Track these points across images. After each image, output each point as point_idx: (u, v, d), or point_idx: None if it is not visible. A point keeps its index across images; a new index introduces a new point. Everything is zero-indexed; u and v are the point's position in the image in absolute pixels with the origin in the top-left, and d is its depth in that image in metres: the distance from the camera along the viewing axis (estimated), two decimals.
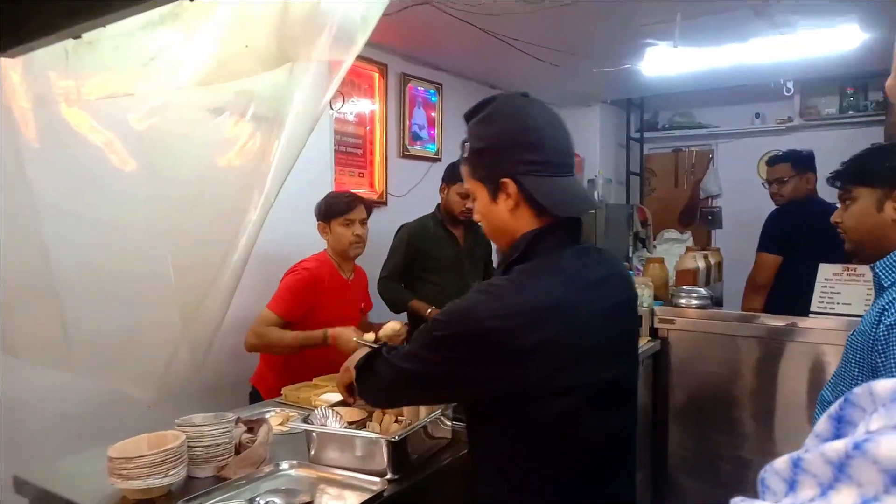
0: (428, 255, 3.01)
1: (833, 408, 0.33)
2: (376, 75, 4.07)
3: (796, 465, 0.31)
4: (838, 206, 1.51)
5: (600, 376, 1.09)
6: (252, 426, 1.64)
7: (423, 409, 1.55)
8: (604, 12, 3.44)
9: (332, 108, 3.63)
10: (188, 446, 1.42)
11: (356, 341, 1.72)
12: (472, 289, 1.11)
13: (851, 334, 1.36)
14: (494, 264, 3.38)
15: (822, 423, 0.34)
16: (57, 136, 1.46)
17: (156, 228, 1.44)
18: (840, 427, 0.32)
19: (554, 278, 1.08)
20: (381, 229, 4.10)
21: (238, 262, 1.28)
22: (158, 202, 1.43)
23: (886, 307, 1.24)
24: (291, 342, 2.27)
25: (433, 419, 1.55)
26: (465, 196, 2.95)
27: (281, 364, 2.39)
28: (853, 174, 1.44)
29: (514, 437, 1.10)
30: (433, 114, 4.55)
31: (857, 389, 0.32)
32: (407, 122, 4.30)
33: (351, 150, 3.95)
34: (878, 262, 1.35)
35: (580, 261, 1.13)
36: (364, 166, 4.06)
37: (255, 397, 2.41)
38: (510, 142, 1.13)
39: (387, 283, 3.08)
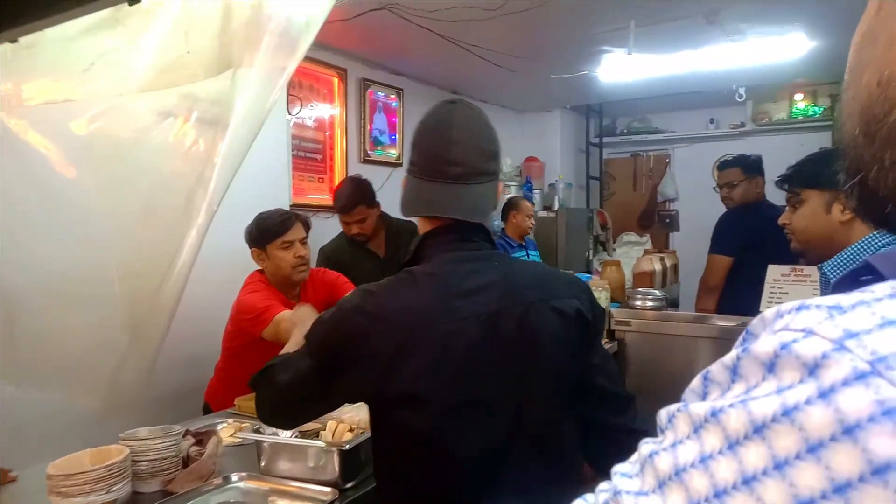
0: (347, 273, 2.92)
1: (739, 340, 0.37)
2: (336, 80, 4.05)
3: (706, 378, 0.36)
4: (787, 208, 1.55)
5: (466, 391, 1.03)
6: (201, 438, 1.61)
7: None
8: (561, 19, 3.48)
9: (290, 114, 3.59)
10: (133, 461, 1.38)
11: None
12: (357, 288, 1.14)
13: None
14: None
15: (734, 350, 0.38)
16: None
17: (101, 236, 1.40)
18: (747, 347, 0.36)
19: (426, 284, 1.07)
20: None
21: (183, 270, 1.25)
22: (103, 209, 1.40)
23: None
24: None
25: None
26: (352, 222, 2.98)
27: (231, 378, 2.34)
28: (802, 177, 1.47)
29: (385, 447, 1.11)
30: (394, 119, 4.54)
31: (755, 320, 0.36)
32: (367, 127, 4.28)
33: (310, 155, 3.92)
34: (826, 263, 1.39)
35: (462, 267, 1.09)
36: (324, 171, 4.03)
37: (207, 412, 2.36)
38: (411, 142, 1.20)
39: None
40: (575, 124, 6.36)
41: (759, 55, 3.92)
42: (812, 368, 0.28)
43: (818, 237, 1.43)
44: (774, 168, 3.59)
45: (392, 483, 1.11)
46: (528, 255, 4.14)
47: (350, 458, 1.43)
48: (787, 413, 0.28)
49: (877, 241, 1.32)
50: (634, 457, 0.40)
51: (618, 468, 0.40)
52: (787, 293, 2.79)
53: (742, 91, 5.15)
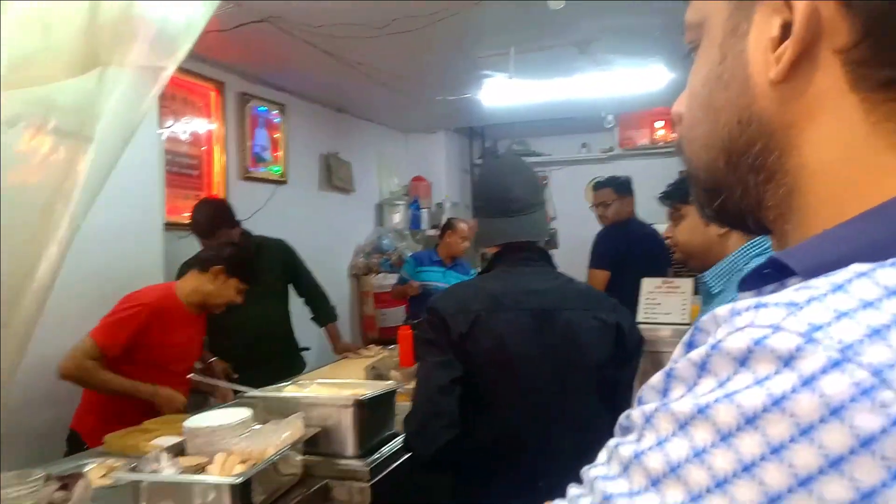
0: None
1: (686, 336, 0.40)
2: (213, 94, 3.85)
3: (668, 375, 0.38)
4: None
5: (516, 366, 1.40)
6: (66, 483, 1.42)
7: (269, 449, 1.44)
8: (445, 42, 3.56)
9: (161, 128, 3.36)
10: None
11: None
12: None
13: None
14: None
15: (678, 350, 0.40)
16: None
17: None
18: (691, 349, 0.38)
19: (499, 279, 1.46)
20: None
21: (37, 296, 1.09)
22: None
23: None
24: (117, 388, 2.08)
25: (282, 455, 1.45)
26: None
27: (102, 405, 2.13)
28: (682, 193, 1.58)
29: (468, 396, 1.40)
30: (276, 135, 4.40)
31: (703, 318, 0.39)
32: (248, 143, 4.11)
33: (185, 170, 3.69)
34: (706, 273, 1.50)
35: (527, 273, 1.46)
36: (201, 188, 3.80)
37: (75, 442, 2.11)
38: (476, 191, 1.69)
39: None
40: (459, 145, 6.51)
41: (624, 84, 4.24)
42: (787, 360, 0.31)
43: (698, 249, 1.54)
44: (641, 188, 3.89)
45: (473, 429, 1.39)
46: (444, 273, 4.10)
47: (243, 493, 1.32)
48: (777, 402, 0.30)
49: (749, 251, 1.45)
50: (603, 457, 0.41)
51: (593, 472, 0.40)
52: (660, 304, 2.99)
53: (611, 118, 5.54)
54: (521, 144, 6.67)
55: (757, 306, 0.35)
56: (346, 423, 1.62)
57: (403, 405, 1.97)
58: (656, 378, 0.39)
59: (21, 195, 1.15)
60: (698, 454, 0.33)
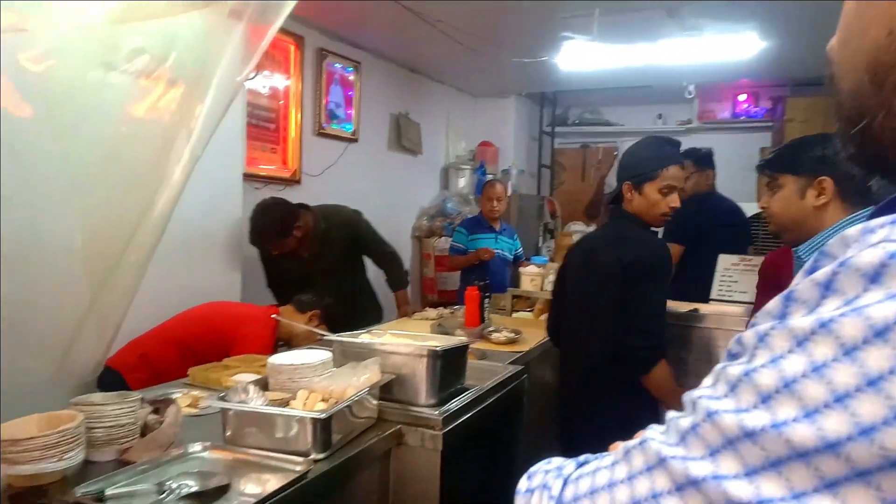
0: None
1: (808, 263, 0.39)
2: (292, 48, 3.89)
3: (788, 298, 0.36)
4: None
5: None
6: (158, 407, 1.50)
7: (349, 389, 1.48)
8: (527, 1, 3.47)
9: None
10: (87, 427, 1.27)
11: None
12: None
13: None
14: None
15: (798, 276, 0.38)
16: None
17: (60, 186, 1.26)
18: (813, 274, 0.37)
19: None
20: None
21: (157, 225, 1.14)
22: (62, 156, 1.25)
23: None
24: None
25: (359, 398, 1.49)
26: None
27: (162, 365, 2.23)
28: (780, 162, 1.53)
29: None
30: (350, 92, 4.42)
31: (830, 241, 0.38)
32: (323, 100, 4.15)
33: (263, 124, 3.76)
34: (800, 247, 1.44)
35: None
36: (276, 142, 3.88)
37: (111, 379, 2.17)
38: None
39: None
40: (529, 112, 6.39)
41: (710, 52, 4.03)
42: None
43: (792, 221, 1.48)
44: (719, 164, 3.72)
45: None
46: (497, 239, 4.10)
47: (324, 428, 1.36)
48: None
49: (852, 224, 1.38)
50: (708, 381, 0.40)
51: (696, 393, 0.40)
52: (736, 281, 2.89)
53: (691, 88, 5.31)
54: (593, 113, 6.50)
55: (893, 222, 0.33)
56: (420, 372, 1.64)
57: (473, 363, 1.99)
58: (773, 303, 0.38)
59: (144, 130, 1.19)
60: (817, 369, 0.31)
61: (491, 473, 1.61)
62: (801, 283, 0.36)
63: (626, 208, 2.02)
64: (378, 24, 3.97)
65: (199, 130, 1.14)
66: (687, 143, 5.56)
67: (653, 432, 0.43)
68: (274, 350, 2.35)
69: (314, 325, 2.40)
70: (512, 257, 4.10)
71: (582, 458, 0.53)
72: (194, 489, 1.17)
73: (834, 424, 0.30)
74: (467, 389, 1.79)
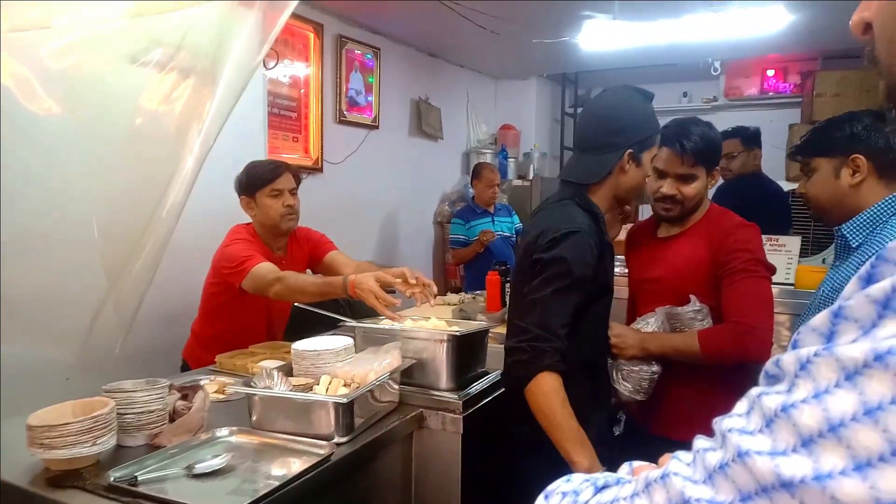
0: None
1: (863, 269, 0.34)
2: (311, 35, 3.90)
3: (836, 314, 0.31)
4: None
5: None
6: (186, 393, 1.55)
7: (371, 374, 1.50)
8: None
9: (265, 67, 3.45)
10: (118, 413, 1.31)
11: (375, 285, 1.79)
12: None
13: (820, 293, 1.46)
14: None
15: (851, 285, 0.34)
16: None
17: (79, 177, 1.30)
18: (870, 284, 0.31)
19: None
20: (318, 198, 3.98)
21: (171, 214, 1.17)
22: (81, 148, 1.29)
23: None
24: (311, 287, 1.96)
25: (380, 383, 1.51)
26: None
27: (210, 337, 2.26)
28: (810, 146, 1.50)
29: None
30: (370, 79, 4.42)
31: (890, 244, 0.33)
32: (343, 87, 4.16)
33: (285, 112, 3.79)
34: (844, 225, 1.42)
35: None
36: (298, 130, 3.91)
37: (186, 370, 2.28)
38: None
39: None
40: (550, 93, 6.32)
41: (736, 27, 3.93)
42: None
43: (831, 203, 1.47)
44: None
45: None
46: (493, 220, 4.12)
47: (347, 412, 1.39)
48: None
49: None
50: (742, 407, 0.35)
51: (727, 423, 0.35)
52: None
53: (717, 64, 5.20)
54: None
55: None
56: (441, 356, 1.66)
57: (494, 347, 2.00)
58: (820, 318, 0.33)
59: (159, 120, 1.22)
60: (870, 412, 0.26)
61: (510, 454, 1.63)
62: (854, 298, 0.31)
63: (608, 185, 1.53)
64: (396, 9, 3.95)
65: (211, 119, 1.16)
66: (714, 121, 5.48)
67: (677, 464, 0.38)
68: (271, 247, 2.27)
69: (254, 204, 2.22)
70: (513, 235, 4.11)
71: (602, 480, 0.49)
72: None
73: (891, 482, 0.25)
74: (488, 373, 1.80)
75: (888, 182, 1.40)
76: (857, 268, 1.32)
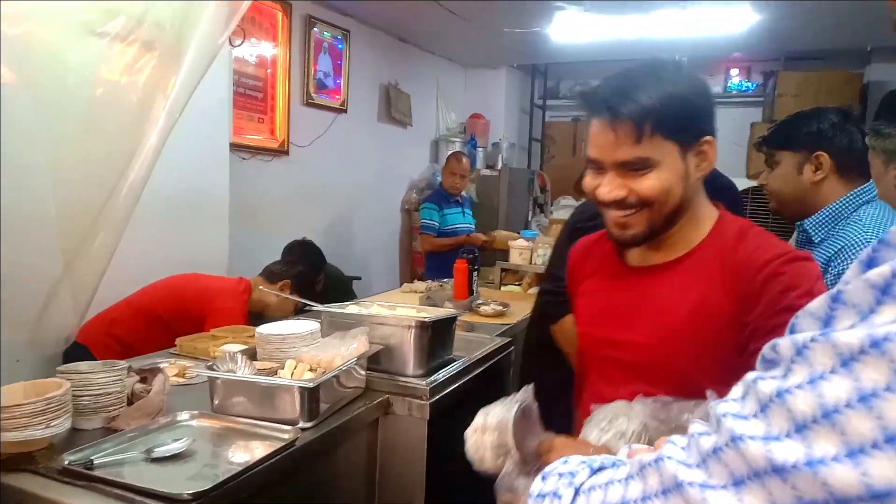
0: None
1: (864, 253, 0.33)
2: (279, 14, 3.82)
3: (835, 299, 0.31)
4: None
5: None
6: (145, 376, 1.50)
7: (337, 359, 1.49)
8: None
9: (231, 45, 3.36)
10: (73, 395, 1.27)
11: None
12: None
13: None
14: None
15: (852, 269, 0.33)
16: None
17: (35, 150, 1.24)
18: (871, 268, 0.31)
19: None
20: (283, 181, 3.92)
21: (133, 189, 1.13)
22: (38, 119, 1.23)
23: (833, 258, 1.33)
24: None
25: (347, 368, 1.49)
26: None
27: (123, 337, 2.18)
28: (777, 138, 1.53)
29: None
30: (339, 62, 4.35)
31: (893, 228, 0.32)
32: (312, 69, 4.08)
33: (250, 92, 3.70)
34: (806, 221, 1.46)
35: None
36: (265, 111, 3.82)
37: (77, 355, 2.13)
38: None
39: None
40: (520, 84, 6.34)
41: (703, 25, 4.00)
42: None
43: (791, 196, 1.49)
44: None
45: None
46: (463, 213, 4.11)
47: (313, 397, 1.37)
48: None
49: (857, 198, 1.39)
50: (737, 392, 0.35)
51: (721, 408, 0.35)
52: None
53: (683, 61, 5.26)
54: (585, 86, 6.44)
55: None
56: (408, 342, 1.65)
57: (461, 334, 2.00)
58: (817, 303, 0.33)
59: (121, 92, 1.17)
60: (864, 398, 0.26)
61: None
62: (852, 283, 0.30)
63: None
64: None
65: (176, 94, 1.13)
66: None
67: (672, 448, 0.38)
68: (248, 323, 2.33)
69: (286, 294, 2.42)
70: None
71: (598, 462, 0.49)
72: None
73: (883, 469, 0.25)
74: (454, 360, 1.80)
75: (848, 180, 1.44)
76: (822, 263, 1.36)
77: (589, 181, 1.03)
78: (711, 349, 0.96)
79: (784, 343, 0.33)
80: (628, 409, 0.93)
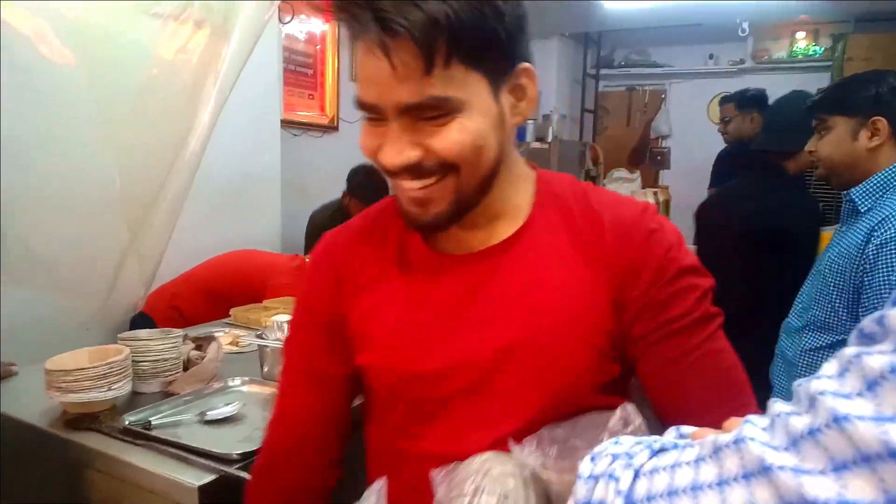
0: None
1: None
2: None
3: (880, 322, 0.29)
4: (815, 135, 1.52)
5: None
6: (200, 344, 1.58)
7: None
8: None
9: (280, 22, 3.41)
10: (133, 361, 1.35)
11: None
12: None
13: (826, 258, 1.41)
14: None
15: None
16: None
17: (97, 128, 1.31)
18: None
19: None
20: (333, 157, 3.97)
21: (189, 165, 1.18)
22: (99, 100, 1.30)
23: (875, 228, 1.28)
24: None
25: None
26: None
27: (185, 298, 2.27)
28: (829, 103, 1.45)
29: None
30: None
31: None
32: None
33: (301, 69, 3.76)
34: (853, 189, 1.39)
35: None
36: (314, 88, 3.88)
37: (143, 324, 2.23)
38: None
39: None
40: (572, 54, 6.19)
41: None
42: None
43: (843, 164, 1.43)
44: None
45: None
46: None
47: None
48: None
49: None
50: (832, 369, 0.32)
51: (816, 385, 0.32)
52: None
53: (745, 25, 5.02)
54: (640, 54, 6.24)
55: None
56: None
57: None
58: (867, 321, 0.31)
59: (175, 71, 1.22)
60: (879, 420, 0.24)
61: None
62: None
63: None
64: None
65: (226, 72, 1.16)
66: (740, 84, 5.32)
67: (752, 428, 0.34)
68: None
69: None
70: None
71: (657, 443, 0.44)
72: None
73: None
74: None
75: None
76: (865, 232, 1.30)
77: (365, 139, 0.71)
78: (583, 348, 0.69)
79: (892, 314, 0.29)
80: (504, 460, 0.62)
